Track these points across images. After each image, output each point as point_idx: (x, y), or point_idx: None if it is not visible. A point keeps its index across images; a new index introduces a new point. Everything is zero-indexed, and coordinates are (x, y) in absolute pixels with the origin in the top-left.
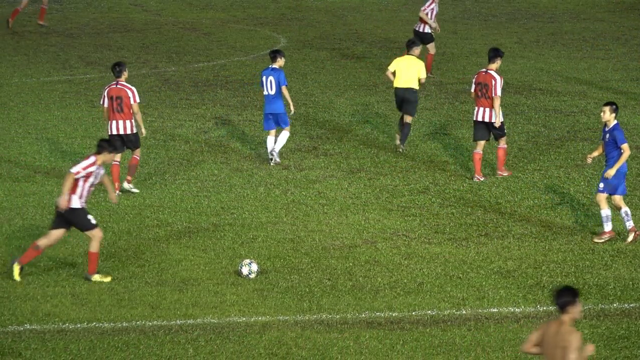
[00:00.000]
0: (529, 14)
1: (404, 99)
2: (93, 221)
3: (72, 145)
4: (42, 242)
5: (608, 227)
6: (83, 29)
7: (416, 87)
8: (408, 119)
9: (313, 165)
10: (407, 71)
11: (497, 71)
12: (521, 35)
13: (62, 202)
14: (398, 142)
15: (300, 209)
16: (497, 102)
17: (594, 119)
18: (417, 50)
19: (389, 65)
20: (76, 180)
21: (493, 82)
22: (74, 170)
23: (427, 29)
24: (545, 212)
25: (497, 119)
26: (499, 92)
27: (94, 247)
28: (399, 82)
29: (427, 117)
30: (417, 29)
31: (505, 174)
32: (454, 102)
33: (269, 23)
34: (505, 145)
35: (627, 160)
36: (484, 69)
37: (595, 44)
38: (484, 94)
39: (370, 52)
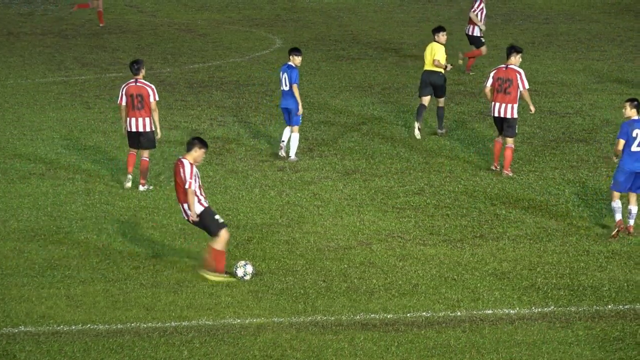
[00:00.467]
0: (524, 15)
1: (431, 83)
2: (220, 220)
3: (68, 146)
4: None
5: (617, 217)
6: (78, 30)
7: (439, 70)
8: (440, 102)
9: (308, 166)
10: (430, 56)
11: (516, 66)
12: (516, 36)
13: (193, 216)
14: (417, 131)
15: (295, 211)
16: (527, 95)
17: (589, 120)
18: (441, 36)
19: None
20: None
21: (518, 76)
22: (187, 186)
23: (477, 32)
24: (541, 213)
25: (531, 107)
26: (526, 85)
27: (219, 245)
28: (425, 66)
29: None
30: (467, 32)
31: (511, 174)
32: (449, 103)
33: (265, 24)
34: (513, 146)
35: (627, 159)
36: (504, 65)
37: (591, 45)
38: (504, 89)
39: (365, 53)
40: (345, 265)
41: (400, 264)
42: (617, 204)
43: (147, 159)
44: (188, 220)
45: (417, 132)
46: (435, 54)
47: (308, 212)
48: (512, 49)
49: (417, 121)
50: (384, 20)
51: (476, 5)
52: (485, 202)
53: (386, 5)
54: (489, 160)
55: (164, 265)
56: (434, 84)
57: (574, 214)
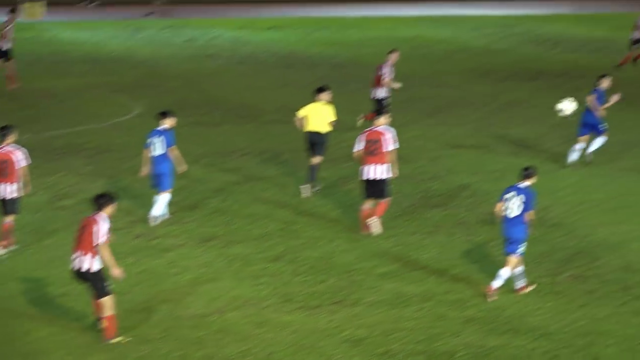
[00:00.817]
0: None
1: (314, 142)
2: (109, 286)
3: None
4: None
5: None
6: None
7: (324, 130)
8: (317, 159)
9: (166, 233)
10: (316, 116)
11: (385, 127)
12: (369, 103)
13: (118, 272)
14: (307, 191)
15: (151, 279)
16: (393, 155)
17: (446, 185)
18: (324, 95)
19: (299, 112)
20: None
21: (383, 137)
22: (102, 240)
23: (382, 94)
24: (398, 279)
25: (395, 170)
26: (393, 145)
27: (109, 310)
28: (309, 127)
29: (281, 184)
30: (373, 96)
31: (379, 225)
32: (303, 168)
33: (125, 90)
34: (387, 201)
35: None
36: (371, 128)
37: (449, 110)
38: (372, 150)
39: (226, 118)
40: (201, 333)
41: (257, 331)
42: (502, 271)
43: (10, 223)
44: (77, 272)
45: (306, 192)
46: (329, 116)
47: (164, 280)
48: (379, 112)
49: (310, 182)
50: (244, 86)
51: (384, 67)
52: (343, 268)
53: (246, 71)
54: (349, 225)
55: (15, 335)
56: (316, 142)
57: (430, 279)
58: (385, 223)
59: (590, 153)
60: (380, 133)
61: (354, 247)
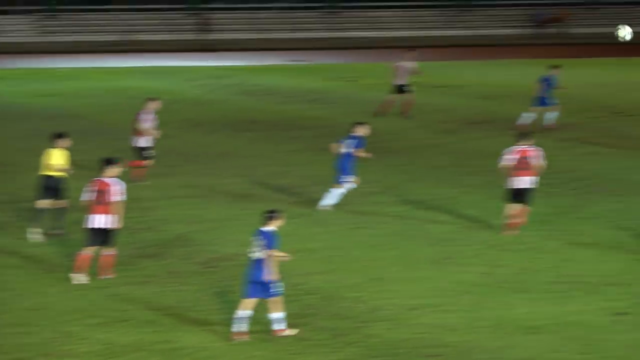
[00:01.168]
0: (95, 132)
1: (47, 186)
2: None
3: None
4: None
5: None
6: None
7: (58, 174)
8: (60, 204)
9: None
10: (50, 161)
11: (112, 177)
12: (92, 152)
13: None
14: (36, 235)
15: None
16: (119, 207)
17: (161, 235)
18: (62, 142)
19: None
20: None
21: (108, 189)
22: None
23: (145, 143)
24: (109, 329)
25: (120, 221)
26: (118, 197)
27: None
28: (43, 171)
29: None
30: (134, 144)
31: (110, 275)
32: (17, 221)
33: None
34: (113, 252)
35: None
36: (99, 178)
37: (163, 160)
38: (99, 201)
39: None
40: None
41: None
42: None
43: None
44: None
45: (37, 237)
46: (60, 160)
47: None
48: (107, 161)
49: (34, 227)
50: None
51: (145, 115)
52: (55, 318)
53: None
54: (63, 275)
55: None
56: (49, 187)
57: (142, 329)
58: (98, 274)
59: (327, 205)
60: (107, 184)
61: (67, 298)
